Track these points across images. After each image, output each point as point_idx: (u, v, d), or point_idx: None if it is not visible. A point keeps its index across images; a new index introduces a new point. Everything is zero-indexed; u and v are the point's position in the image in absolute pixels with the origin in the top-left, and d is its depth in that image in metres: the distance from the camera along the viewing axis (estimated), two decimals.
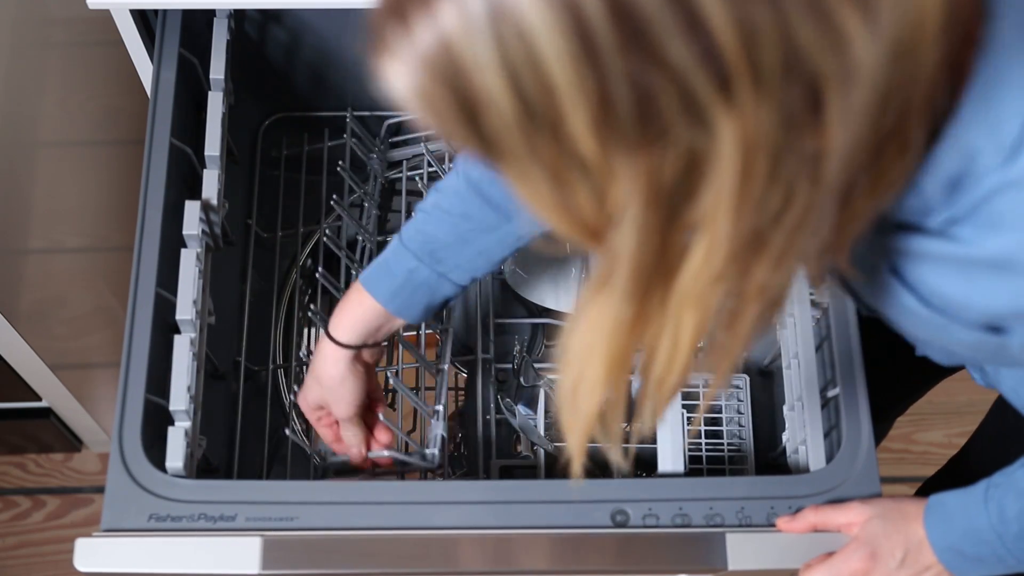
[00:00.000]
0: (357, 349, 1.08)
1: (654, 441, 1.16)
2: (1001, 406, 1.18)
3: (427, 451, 1.18)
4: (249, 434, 1.25)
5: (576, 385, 0.74)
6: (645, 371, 0.73)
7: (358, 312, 1.07)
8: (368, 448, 1.16)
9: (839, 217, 0.66)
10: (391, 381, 1.26)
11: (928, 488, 1.33)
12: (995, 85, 0.65)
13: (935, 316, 0.75)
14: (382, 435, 1.17)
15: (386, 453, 1.16)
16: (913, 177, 0.68)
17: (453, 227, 1.03)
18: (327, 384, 1.10)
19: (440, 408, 1.19)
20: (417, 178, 1.38)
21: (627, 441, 0.82)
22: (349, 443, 1.15)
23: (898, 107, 0.62)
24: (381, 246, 1.39)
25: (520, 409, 1.29)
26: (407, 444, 1.21)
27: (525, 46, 0.56)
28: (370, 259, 1.32)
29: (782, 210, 0.62)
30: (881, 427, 1.32)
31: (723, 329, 0.70)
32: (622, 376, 0.73)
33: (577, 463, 0.81)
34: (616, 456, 0.83)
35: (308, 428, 1.32)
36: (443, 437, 1.17)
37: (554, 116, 0.58)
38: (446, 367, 1.23)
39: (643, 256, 0.64)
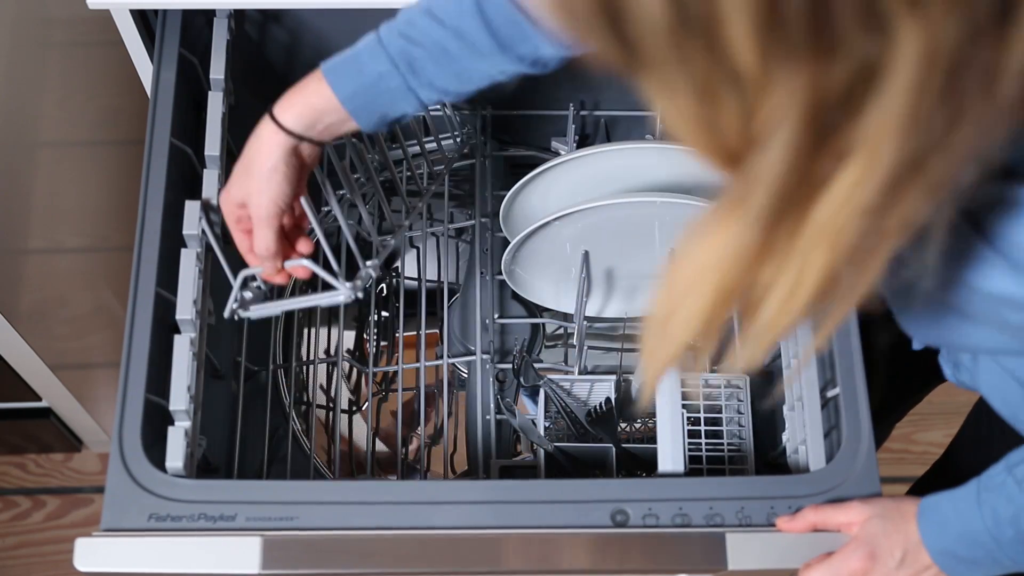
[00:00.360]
0: (299, 139, 0.99)
1: (654, 440, 1.16)
2: (980, 407, 1.17)
3: (352, 282, 1.05)
4: (249, 434, 1.25)
5: (673, 311, 0.68)
6: (755, 310, 0.66)
7: (312, 100, 0.99)
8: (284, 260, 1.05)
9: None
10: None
11: (919, 488, 1.33)
12: None
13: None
14: (303, 246, 1.07)
15: (305, 262, 1.05)
16: None
17: (440, 40, 0.96)
18: (255, 171, 1.00)
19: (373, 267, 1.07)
20: (417, 178, 1.39)
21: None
22: (262, 251, 1.03)
23: None
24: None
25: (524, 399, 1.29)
26: (329, 264, 1.07)
27: None
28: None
29: (949, 131, 0.56)
30: (880, 431, 1.31)
31: (851, 269, 0.63)
32: (724, 311, 0.67)
33: (647, 396, 0.78)
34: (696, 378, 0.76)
35: (308, 428, 1.32)
36: (370, 275, 1.07)
37: (712, 20, 0.52)
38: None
39: (787, 180, 0.58)
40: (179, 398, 1.04)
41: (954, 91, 0.54)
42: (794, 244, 0.61)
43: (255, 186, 1.00)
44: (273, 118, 0.99)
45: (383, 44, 0.97)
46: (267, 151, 1.00)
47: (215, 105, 1.17)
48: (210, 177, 1.14)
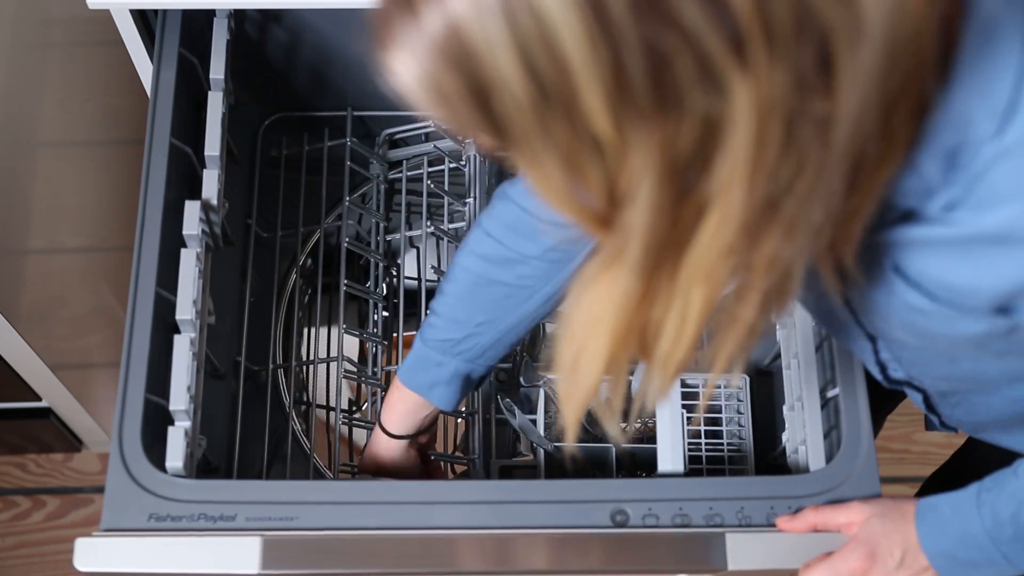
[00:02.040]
0: (410, 438, 1.13)
1: (654, 440, 1.16)
2: None
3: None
4: (249, 434, 1.25)
5: (577, 357, 0.74)
6: (651, 348, 0.72)
7: (403, 407, 1.11)
8: None
9: (849, 192, 0.66)
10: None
11: (929, 486, 1.33)
12: (984, 47, 0.65)
13: (942, 310, 0.75)
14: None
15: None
16: (912, 156, 0.68)
17: (494, 337, 1.07)
18: (388, 471, 1.14)
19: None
20: (417, 178, 1.39)
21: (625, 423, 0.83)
22: None
23: (903, 68, 0.62)
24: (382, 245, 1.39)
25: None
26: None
27: (537, 21, 0.55)
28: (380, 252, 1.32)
29: (794, 177, 0.62)
30: (886, 406, 1.32)
31: (731, 305, 0.70)
32: (625, 352, 0.72)
33: (571, 434, 0.82)
34: (614, 430, 0.83)
35: (308, 428, 1.32)
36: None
37: (568, 94, 0.57)
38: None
39: (656, 232, 0.63)
40: (179, 398, 1.04)
41: (793, 140, 0.60)
42: (675, 285, 0.67)
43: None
44: (384, 431, 1.13)
45: (425, 343, 1.09)
46: (386, 453, 1.14)
47: (215, 105, 1.17)
48: (210, 177, 1.14)
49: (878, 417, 1.46)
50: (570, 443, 0.86)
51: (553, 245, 0.99)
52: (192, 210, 1.10)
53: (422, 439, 1.16)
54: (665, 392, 0.77)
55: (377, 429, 1.14)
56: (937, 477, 1.36)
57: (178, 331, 1.07)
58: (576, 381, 0.76)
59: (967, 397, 0.95)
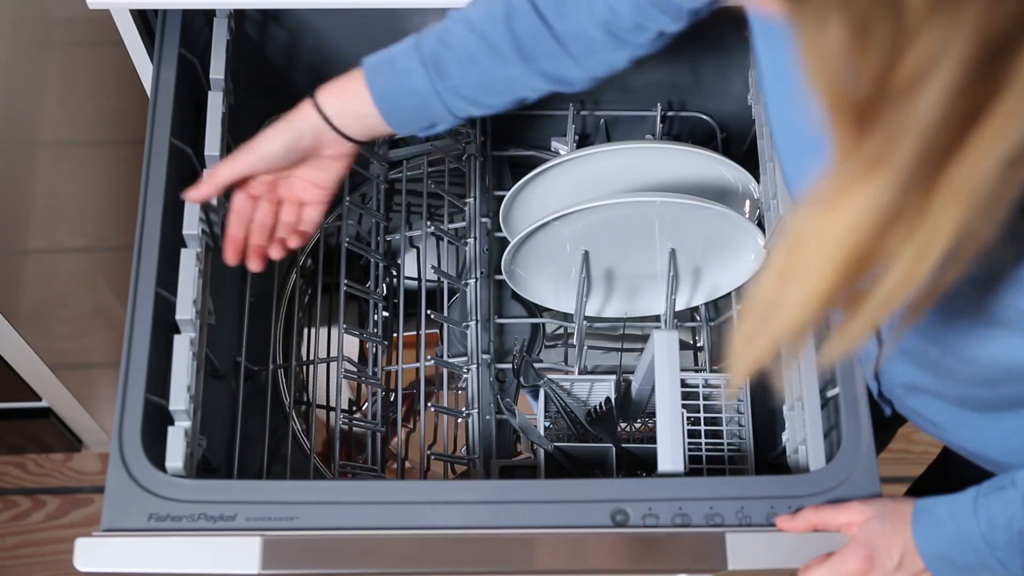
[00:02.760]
0: (327, 123, 1.03)
1: (654, 440, 1.16)
2: None
3: None
4: (249, 434, 1.25)
5: (784, 291, 0.63)
6: (870, 286, 0.61)
7: (350, 91, 1.03)
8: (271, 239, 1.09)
9: None
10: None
11: (917, 488, 1.33)
12: None
13: None
14: (275, 250, 1.10)
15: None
16: None
17: (468, 45, 0.99)
18: (280, 132, 1.04)
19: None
20: (417, 178, 1.39)
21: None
22: (207, 174, 1.07)
23: None
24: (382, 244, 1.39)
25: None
26: None
27: None
28: (380, 252, 1.32)
29: None
30: (883, 436, 1.31)
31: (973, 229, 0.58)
32: (845, 289, 0.61)
33: (738, 381, 0.72)
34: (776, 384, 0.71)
35: (308, 428, 1.32)
36: None
37: None
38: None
39: (937, 131, 0.53)
40: (179, 398, 1.04)
41: None
42: (928, 205, 0.56)
43: (261, 136, 1.04)
44: (312, 98, 1.03)
45: (418, 45, 1.00)
46: (293, 118, 1.03)
47: (215, 105, 1.17)
48: None
49: (890, 427, 1.46)
50: (738, 380, 0.71)
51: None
52: (192, 210, 1.10)
53: (330, 146, 1.05)
54: (860, 343, 0.66)
55: (306, 100, 1.04)
56: (922, 481, 1.36)
57: (178, 331, 1.07)
58: (771, 322, 0.64)
59: (933, 400, 0.95)
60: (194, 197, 1.08)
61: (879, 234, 0.58)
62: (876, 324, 0.64)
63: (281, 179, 1.09)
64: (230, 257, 1.09)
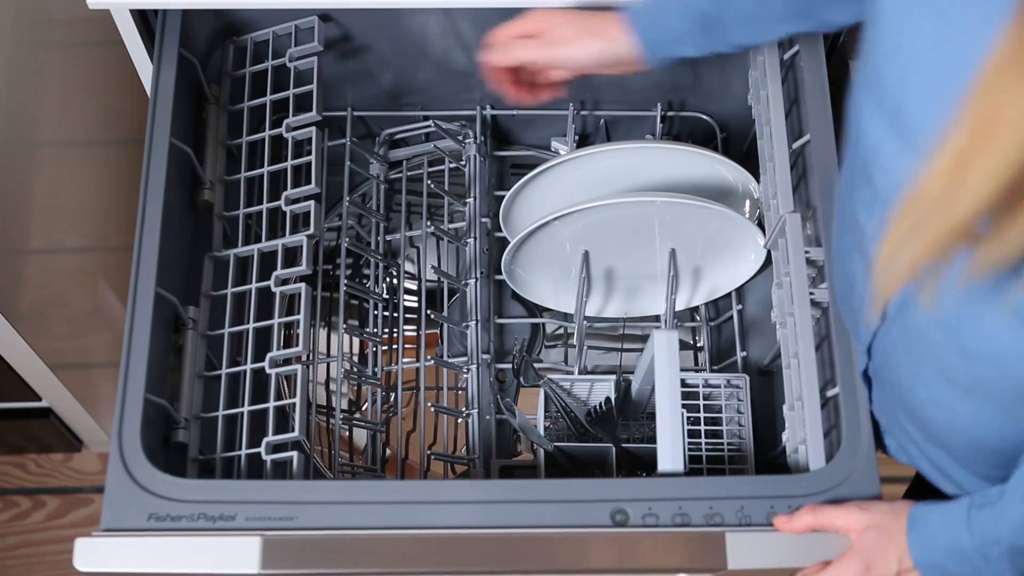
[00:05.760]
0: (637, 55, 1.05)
1: (654, 440, 1.16)
2: None
3: None
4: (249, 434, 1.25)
5: (961, 177, 0.56)
6: None
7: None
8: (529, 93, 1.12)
9: None
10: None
11: (916, 488, 1.33)
12: None
13: None
14: (543, 93, 1.13)
15: None
16: None
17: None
18: (583, 24, 1.06)
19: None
20: (417, 178, 1.39)
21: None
22: (499, 33, 1.09)
23: None
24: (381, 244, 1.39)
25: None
26: None
27: None
28: (383, 252, 1.31)
29: None
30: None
31: None
32: None
33: (888, 294, 0.64)
34: (926, 298, 0.64)
35: (308, 428, 1.32)
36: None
37: None
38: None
39: None
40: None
41: None
42: None
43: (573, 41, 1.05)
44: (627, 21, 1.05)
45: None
46: (607, 35, 1.05)
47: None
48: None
49: None
50: (888, 292, 0.65)
51: None
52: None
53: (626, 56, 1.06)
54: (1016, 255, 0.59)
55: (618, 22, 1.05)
56: (917, 483, 1.36)
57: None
58: (940, 213, 0.58)
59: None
60: (492, 60, 1.09)
61: None
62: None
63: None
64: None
